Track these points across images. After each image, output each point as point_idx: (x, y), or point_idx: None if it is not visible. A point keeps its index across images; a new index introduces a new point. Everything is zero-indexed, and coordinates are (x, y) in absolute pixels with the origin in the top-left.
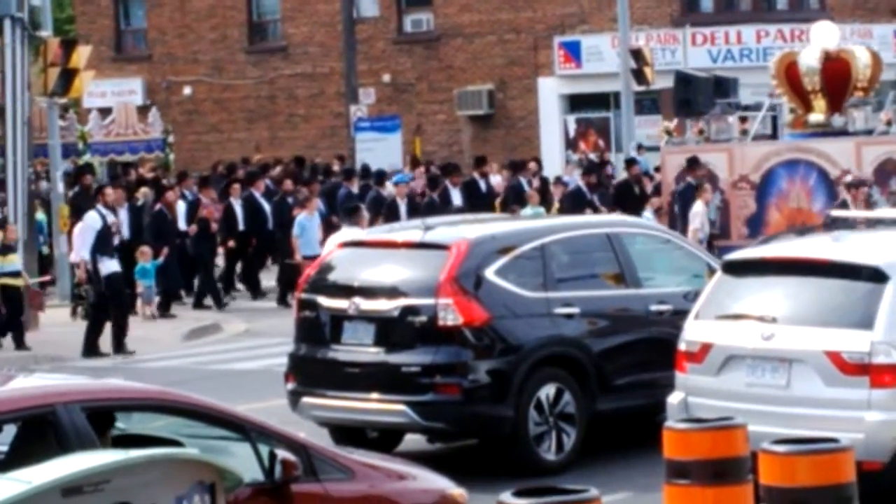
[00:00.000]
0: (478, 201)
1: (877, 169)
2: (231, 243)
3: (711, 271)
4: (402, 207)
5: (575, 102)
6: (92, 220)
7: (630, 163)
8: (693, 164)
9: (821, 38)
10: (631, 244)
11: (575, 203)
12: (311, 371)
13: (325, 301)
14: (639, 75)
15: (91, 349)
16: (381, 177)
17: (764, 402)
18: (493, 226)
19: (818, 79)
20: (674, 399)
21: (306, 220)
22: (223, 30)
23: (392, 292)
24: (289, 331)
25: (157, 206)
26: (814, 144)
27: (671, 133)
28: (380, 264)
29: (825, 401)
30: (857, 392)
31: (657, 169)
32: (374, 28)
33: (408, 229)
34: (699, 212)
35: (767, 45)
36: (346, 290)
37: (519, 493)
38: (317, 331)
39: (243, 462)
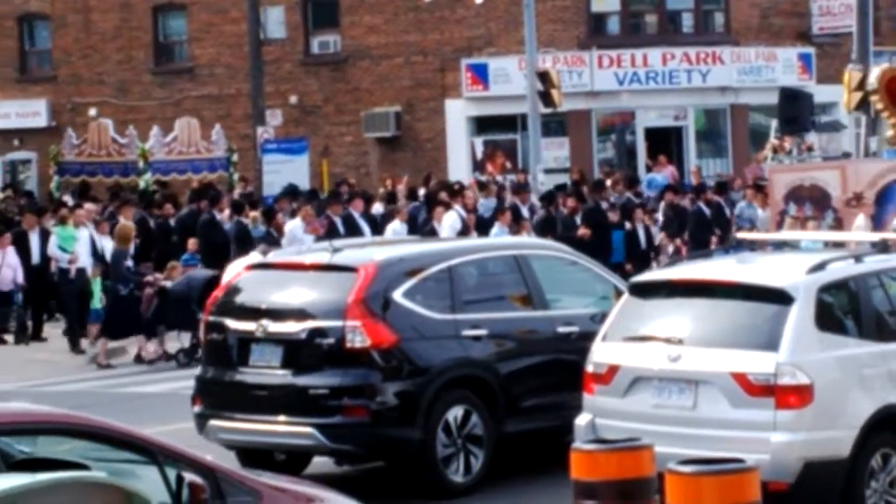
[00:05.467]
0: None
1: None
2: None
3: (618, 293)
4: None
5: (482, 124)
6: None
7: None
8: None
9: None
10: (538, 266)
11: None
12: (219, 394)
13: (232, 323)
14: (546, 97)
15: None
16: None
17: (671, 424)
18: (401, 248)
19: None
20: (581, 420)
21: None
22: (129, 51)
23: (300, 314)
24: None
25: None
26: None
27: (777, 151)
28: (288, 286)
29: (731, 422)
30: (763, 413)
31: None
32: (280, 49)
33: (316, 251)
34: None
35: (673, 69)
36: (254, 313)
37: None
38: (224, 353)
39: (151, 485)
